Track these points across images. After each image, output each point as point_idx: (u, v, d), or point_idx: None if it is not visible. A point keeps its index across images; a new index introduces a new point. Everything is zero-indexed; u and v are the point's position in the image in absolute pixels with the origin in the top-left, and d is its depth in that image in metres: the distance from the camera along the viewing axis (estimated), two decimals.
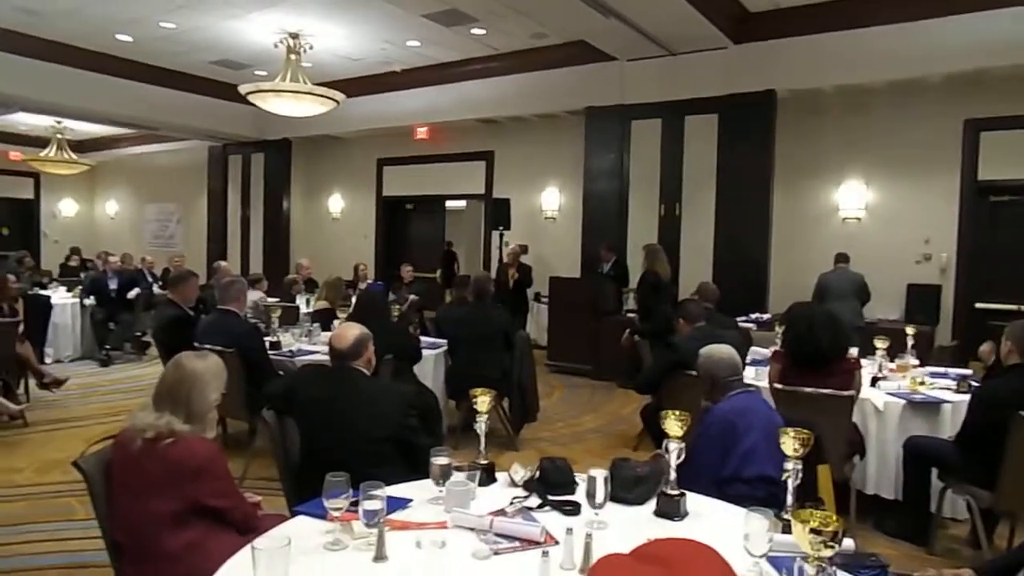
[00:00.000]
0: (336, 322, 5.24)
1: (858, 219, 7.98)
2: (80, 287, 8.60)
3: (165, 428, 2.05)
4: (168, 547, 2.01)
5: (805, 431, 1.99)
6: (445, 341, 5.32)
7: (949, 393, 4.01)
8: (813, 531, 1.43)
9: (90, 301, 8.25)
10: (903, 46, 7.00)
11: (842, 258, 7.29)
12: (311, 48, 8.28)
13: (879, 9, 7.07)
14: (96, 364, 7.96)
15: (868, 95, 7.76)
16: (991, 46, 6.64)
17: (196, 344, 4.33)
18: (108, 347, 8.14)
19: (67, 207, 16.22)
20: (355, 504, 1.91)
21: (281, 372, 4.53)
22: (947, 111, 7.44)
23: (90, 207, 16.70)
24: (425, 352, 4.98)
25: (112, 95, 10.08)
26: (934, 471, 3.63)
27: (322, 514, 1.95)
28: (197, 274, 5.54)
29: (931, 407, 3.86)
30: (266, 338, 4.97)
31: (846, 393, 3.61)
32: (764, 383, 3.90)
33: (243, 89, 7.68)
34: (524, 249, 9.28)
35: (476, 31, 8.39)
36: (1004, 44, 6.58)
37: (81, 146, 14.16)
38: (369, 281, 9.26)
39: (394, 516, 2.05)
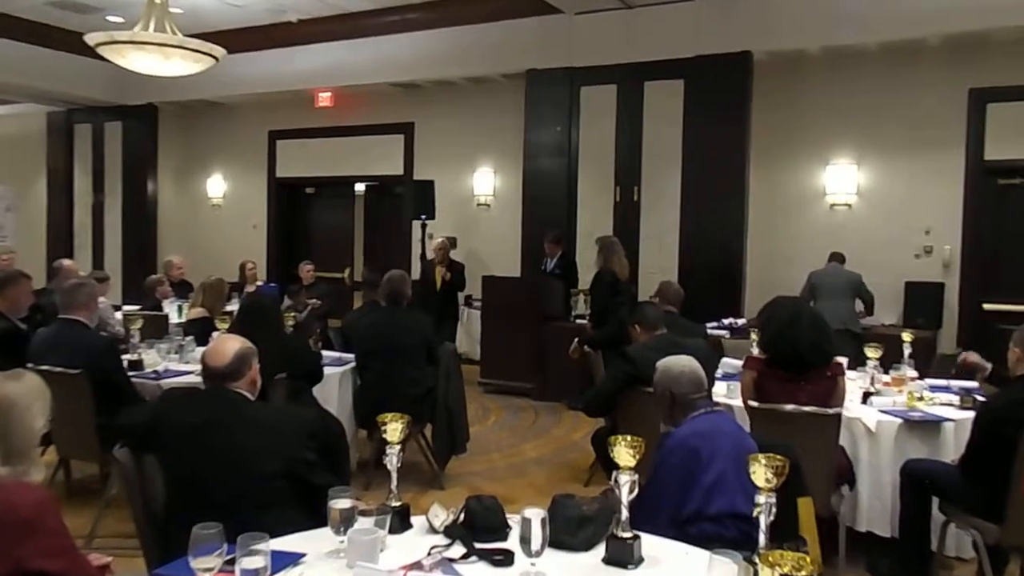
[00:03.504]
0: (216, 334, 5.12)
1: (848, 205, 8.25)
2: None
3: None
4: None
5: (779, 457, 2.04)
6: (353, 356, 5.29)
7: (952, 410, 4.16)
8: None
9: None
10: (898, 1, 7.26)
11: (836, 257, 7.54)
12: None
13: None
14: None
15: (859, 59, 8.03)
16: (998, 3, 6.94)
17: (31, 364, 4.17)
18: None
19: None
20: (231, 562, 1.87)
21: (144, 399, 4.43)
22: (949, 79, 7.76)
23: None
24: (328, 370, 4.95)
25: None
26: (935, 501, 3.75)
27: None
28: (30, 276, 5.33)
29: (931, 426, 4.00)
30: (124, 356, 4.84)
31: (832, 411, 3.72)
32: (738, 401, 4.00)
33: (91, 39, 7.39)
34: (452, 243, 9.29)
35: None
36: (1014, 1, 6.88)
37: None
38: (259, 283, 9.13)
39: (282, 575, 2.02)
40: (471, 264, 9.37)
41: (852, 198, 8.23)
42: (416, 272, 9.18)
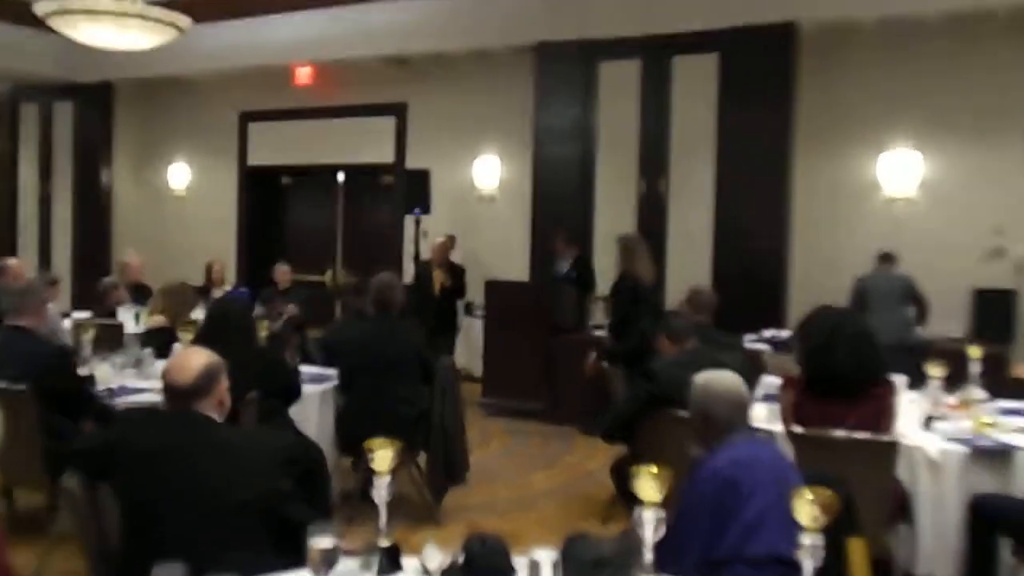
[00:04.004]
0: (178, 346, 5.15)
1: (908, 199, 8.24)
2: None
3: None
4: None
5: (827, 492, 2.04)
6: (335, 372, 5.30)
7: None
8: None
9: None
10: None
11: (887, 259, 7.51)
12: None
13: None
14: None
15: (919, 31, 8.01)
16: None
17: None
18: None
19: None
20: None
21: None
22: (1022, 55, 7.75)
23: None
24: (307, 388, 4.95)
25: None
26: (1005, 543, 3.74)
27: None
28: None
29: (1002, 456, 3.98)
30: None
31: (887, 438, 3.72)
32: (781, 426, 4.00)
33: (40, 9, 7.45)
34: (452, 241, 9.33)
35: None
36: None
37: None
38: (228, 287, 9.17)
39: None
40: (472, 266, 9.42)
41: (913, 191, 8.20)
42: (410, 275, 9.23)
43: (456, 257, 9.33)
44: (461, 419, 5.40)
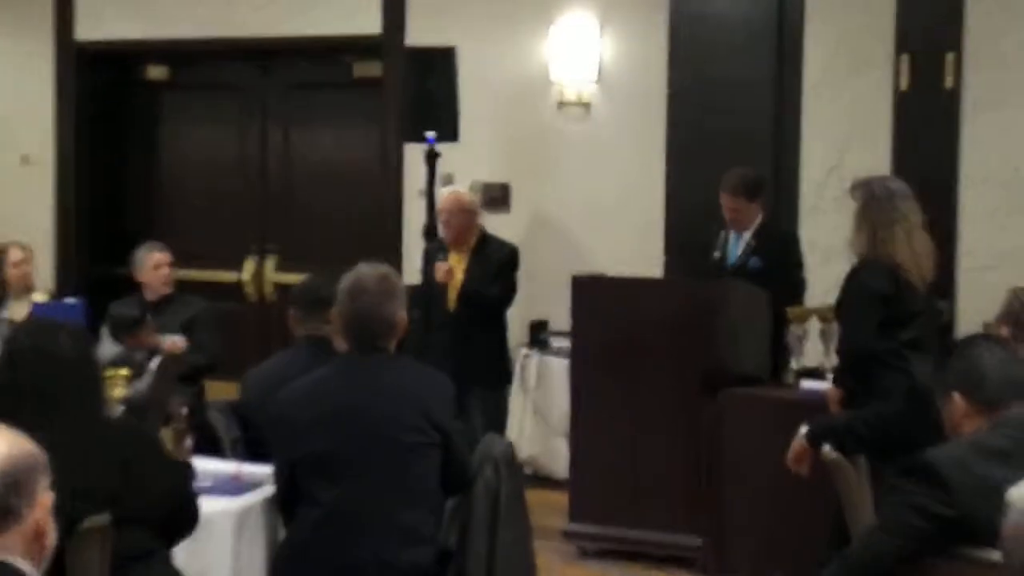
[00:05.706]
0: None
1: None
2: None
3: None
4: None
5: None
6: (268, 471, 5.28)
7: None
8: None
9: None
10: None
11: None
12: None
13: None
14: None
15: None
16: None
17: None
18: None
19: None
20: None
21: None
22: None
23: None
24: (210, 504, 4.89)
25: None
26: None
27: None
28: None
29: None
30: None
31: None
32: None
33: None
34: (501, 194, 9.47)
35: None
36: None
37: None
38: (40, 298, 9.29)
39: None
40: (547, 246, 9.63)
41: None
42: (415, 264, 9.31)
43: (505, 227, 9.38)
44: (529, 565, 5.41)
